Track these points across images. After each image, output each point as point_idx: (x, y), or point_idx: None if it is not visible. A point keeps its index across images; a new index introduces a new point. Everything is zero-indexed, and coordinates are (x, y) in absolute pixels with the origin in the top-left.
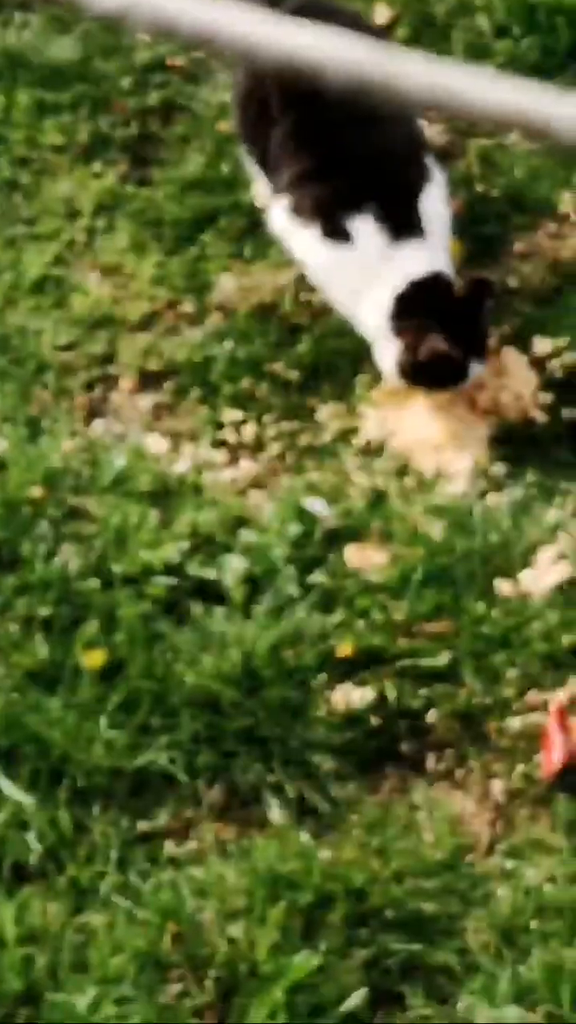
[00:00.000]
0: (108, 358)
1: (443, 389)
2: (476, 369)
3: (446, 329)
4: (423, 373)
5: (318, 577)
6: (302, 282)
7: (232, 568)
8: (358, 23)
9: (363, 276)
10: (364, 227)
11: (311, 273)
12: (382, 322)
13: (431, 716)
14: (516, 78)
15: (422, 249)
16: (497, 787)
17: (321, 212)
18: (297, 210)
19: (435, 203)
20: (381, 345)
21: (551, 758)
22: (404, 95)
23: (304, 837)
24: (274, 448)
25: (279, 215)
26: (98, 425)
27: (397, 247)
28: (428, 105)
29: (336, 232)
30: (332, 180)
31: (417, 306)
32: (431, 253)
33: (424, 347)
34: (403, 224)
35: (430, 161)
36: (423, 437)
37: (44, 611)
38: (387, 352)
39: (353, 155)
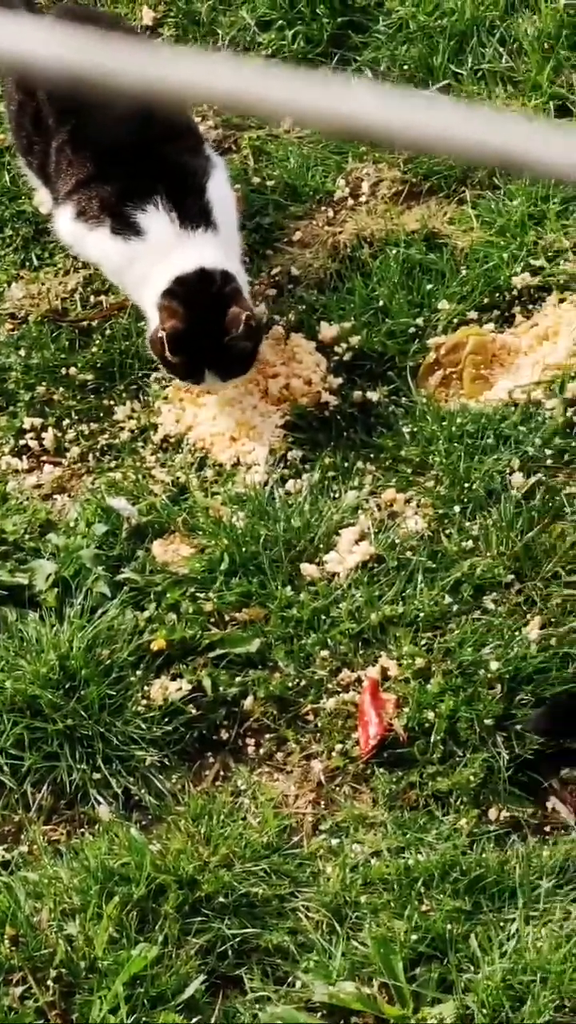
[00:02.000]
0: None
1: (179, 378)
2: (213, 380)
3: (196, 327)
4: (159, 352)
5: (127, 574)
6: (89, 285)
7: (42, 572)
8: (119, 26)
9: (154, 264)
10: (152, 218)
11: (107, 271)
12: (155, 298)
13: (248, 702)
14: (231, 60)
15: (212, 240)
16: (317, 767)
17: (108, 210)
18: (83, 213)
19: (219, 188)
20: (149, 319)
21: (367, 735)
22: (119, 85)
23: (133, 831)
24: (75, 451)
25: (65, 223)
26: None
27: (186, 236)
28: (143, 94)
29: (126, 227)
30: (114, 180)
31: (189, 291)
32: (222, 245)
33: (161, 327)
34: (190, 212)
35: (208, 150)
36: (219, 429)
37: None
38: (151, 326)
39: (132, 153)
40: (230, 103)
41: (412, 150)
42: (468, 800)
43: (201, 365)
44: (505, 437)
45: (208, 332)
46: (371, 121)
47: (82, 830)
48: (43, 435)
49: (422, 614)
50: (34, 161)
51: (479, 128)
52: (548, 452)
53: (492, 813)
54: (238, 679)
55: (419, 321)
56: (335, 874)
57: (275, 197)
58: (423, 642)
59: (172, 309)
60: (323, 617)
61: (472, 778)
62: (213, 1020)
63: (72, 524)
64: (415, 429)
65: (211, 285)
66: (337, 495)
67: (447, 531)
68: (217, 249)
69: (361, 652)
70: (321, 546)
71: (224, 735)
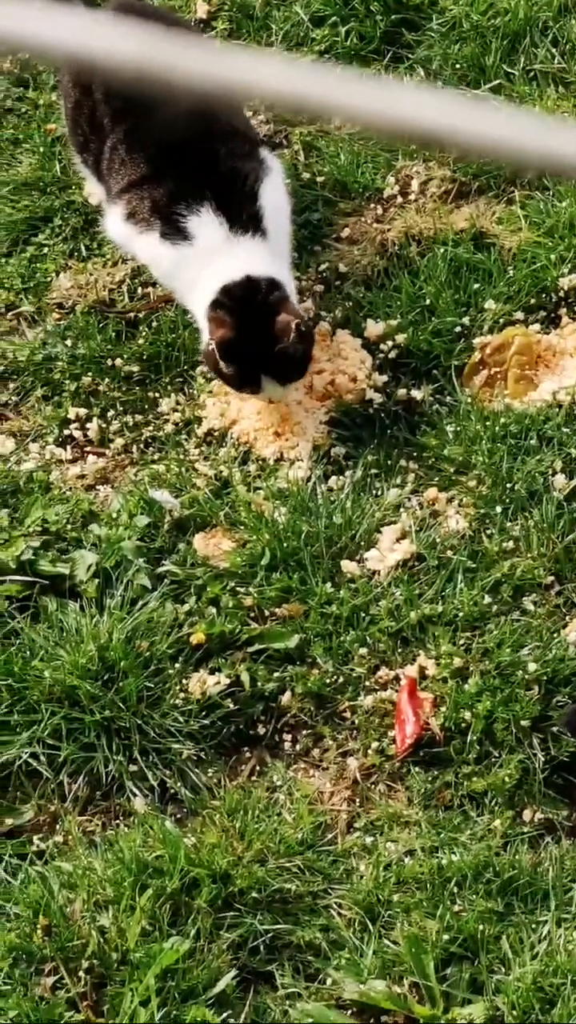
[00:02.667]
0: None
1: (236, 388)
2: (271, 387)
3: (246, 335)
4: (213, 365)
5: (168, 567)
6: (137, 276)
7: (83, 562)
8: (174, 21)
9: (202, 269)
10: (202, 223)
11: (156, 273)
12: (205, 309)
13: (285, 698)
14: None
15: (261, 248)
16: (353, 764)
17: (158, 213)
18: (133, 215)
19: (273, 195)
20: (202, 331)
21: (404, 733)
22: (183, 84)
23: (168, 824)
24: (119, 442)
25: (115, 223)
26: None
27: (236, 243)
28: (207, 92)
29: (175, 232)
30: (166, 182)
31: (236, 301)
32: (270, 253)
33: (211, 338)
34: (241, 218)
35: (265, 154)
36: (263, 424)
37: None
38: (204, 338)
39: (186, 156)
40: (288, 103)
41: (462, 153)
42: (503, 801)
43: (256, 373)
44: (548, 438)
45: (259, 340)
46: (420, 124)
47: (117, 822)
48: (88, 426)
49: (461, 614)
50: (89, 159)
51: (530, 133)
52: None
53: (527, 814)
54: (276, 675)
55: (465, 320)
56: (368, 872)
57: (325, 193)
58: (461, 642)
59: (220, 319)
60: (362, 614)
61: (507, 779)
62: (243, 1015)
63: (114, 515)
64: (459, 428)
65: (257, 293)
66: (379, 493)
67: (488, 531)
68: (265, 256)
69: (399, 650)
70: (362, 543)
71: (261, 730)
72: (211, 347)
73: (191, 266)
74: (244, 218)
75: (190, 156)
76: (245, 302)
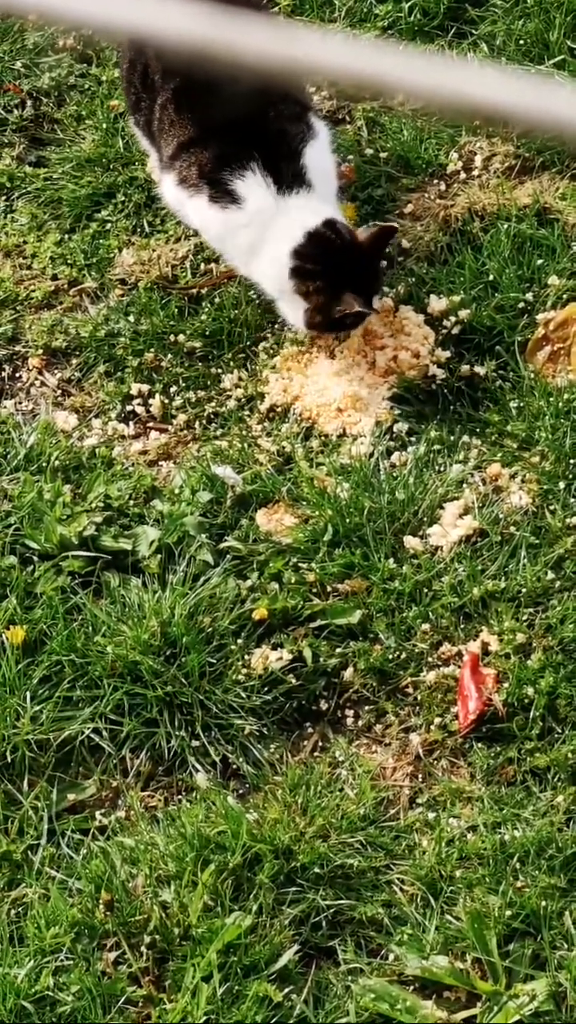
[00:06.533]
0: (14, 338)
1: (347, 331)
2: (375, 304)
3: (347, 279)
4: (336, 325)
5: (231, 543)
6: (200, 252)
7: (146, 538)
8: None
9: (256, 233)
10: (250, 185)
11: (208, 239)
12: (283, 278)
13: (348, 674)
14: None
15: (309, 199)
16: (415, 740)
17: (206, 177)
18: (184, 180)
19: (318, 157)
20: (285, 301)
21: (467, 709)
22: (243, 62)
23: (230, 800)
24: (181, 418)
25: (169, 188)
26: (7, 404)
27: (285, 200)
28: (265, 70)
29: (224, 194)
30: (213, 145)
31: (315, 260)
32: (319, 202)
33: (341, 307)
34: (287, 177)
35: (313, 118)
36: (326, 400)
37: None
38: (291, 308)
39: (232, 119)
40: (349, 81)
41: (526, 129)
42: (566, 777)
43: (369, 303)
44: None
45: (357, 274)
46: (483, 100)
47: (179, 797)
48: (150, 401)
49: (524, 590)
50: (141, 119)
51: None
52: None
53: None
54: (339, 650)
55: (528, 296)
56: (431, 848)
57: (388, 169)
58: (524, 618)
59: (322, 294)
60: (425, 590)
61: (570, 755)
62: (305, 991)
63: (177, 491)
64: (522, 404)
65: (323, 241)
66: (442, 468)
67: (551, 507)
68: (312, 209)
69: (462, 626)
70: (425, 519)
71: (323, 706)
72: (339, 315)
73: (244, 231)
74: (289, 175)
75: (238, 117)
76: (321, 254)
